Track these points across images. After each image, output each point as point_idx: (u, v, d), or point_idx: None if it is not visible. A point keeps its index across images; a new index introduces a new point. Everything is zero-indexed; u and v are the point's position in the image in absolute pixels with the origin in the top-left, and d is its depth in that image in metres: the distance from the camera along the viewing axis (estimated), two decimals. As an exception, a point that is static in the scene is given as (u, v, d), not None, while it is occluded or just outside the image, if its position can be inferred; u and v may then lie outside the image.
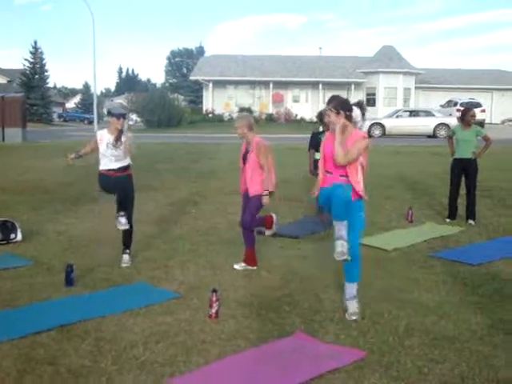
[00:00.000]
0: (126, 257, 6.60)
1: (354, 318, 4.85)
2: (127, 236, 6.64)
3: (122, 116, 6.49)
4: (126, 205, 6.48)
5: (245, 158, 6.38)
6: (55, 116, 61.18)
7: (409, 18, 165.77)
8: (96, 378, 3.76)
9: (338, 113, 4.93)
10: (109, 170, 6.44)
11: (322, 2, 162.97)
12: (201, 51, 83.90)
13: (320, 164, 5.11)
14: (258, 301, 5.30)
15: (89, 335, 4.44)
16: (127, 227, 6.45)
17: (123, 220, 6.38)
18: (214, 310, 4.80)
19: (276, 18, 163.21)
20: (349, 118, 4.97)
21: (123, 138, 6.38)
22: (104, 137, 6.47)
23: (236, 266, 6.39)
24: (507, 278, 6.07)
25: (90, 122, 58.54)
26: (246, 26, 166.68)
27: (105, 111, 77.82)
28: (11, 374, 3.78)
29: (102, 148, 6.42)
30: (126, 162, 6.54)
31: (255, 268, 6.36)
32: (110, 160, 6.43)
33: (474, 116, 9.05)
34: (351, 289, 5.00)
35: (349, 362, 3.97)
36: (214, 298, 4.80)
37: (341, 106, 4.97)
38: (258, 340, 4.42)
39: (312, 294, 5.49)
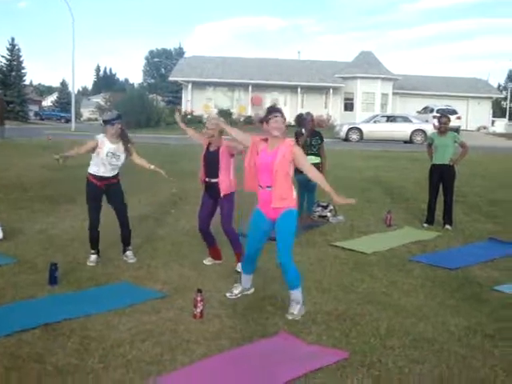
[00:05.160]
0: (129, 253, 6.80)
1: None
2: (127, 236, 6.85)
3: (114, 121, 6.41)
4: (122, 210, 6.71)
5: (207, 158, 6.33)
6: (31, 114, 60.59)
7: (387, 25, 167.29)
8: (83, 375, 3.79)
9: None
10: (100, 177, 6.45)
11: (302, 7, 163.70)
12: (180, 52, 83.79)
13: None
14: (241, 301, 5.38)
15: (75, 334, 4.47)
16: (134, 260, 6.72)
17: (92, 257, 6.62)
18: (198, 310, 4.86)
19: (255, 20, 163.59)
20: None
21: (130, 150, 6.54)
22: (105, 144, 6.41)
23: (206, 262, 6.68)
24: (483, 283, 6.21)
25: (67, 121, 58.13)
26: (225, 28, 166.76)
27: (82, 110, 77.37)
28: (-2, 371, 3.81)
29: (102, 156, 6.38)
30: (118, 169, 6.64)
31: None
32: (106, 168, 6.45)
33: (443, 124, 9.22)
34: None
35: (332, 362, 4.05)
36: (199, 298, 4.85)
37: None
38: (242, 340, 4.49)
39: (294, 296, 5.57)
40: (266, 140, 5.10)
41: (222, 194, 6.26)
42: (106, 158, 6.40)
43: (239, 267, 6.42)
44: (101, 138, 6.44)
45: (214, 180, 6.27)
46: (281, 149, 4.95)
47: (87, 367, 3.90)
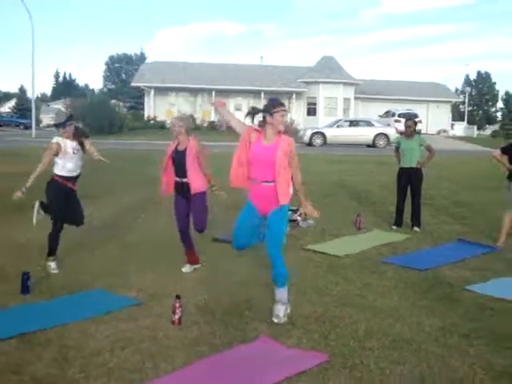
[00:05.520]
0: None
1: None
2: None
3: (62, 125, 6.38)
4: (80, 215, 6.66)
5: (175, 158, 6.32)
6: (-11, 121, 59.46)
7: (347, 30, 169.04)
8: (64, 385, 3.73)
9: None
10: (70, 177, 6.39)
11: (261, 12, 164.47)
12: (141, 57, 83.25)
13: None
14: (218, 306, 5.35)
15: (52, 343, 4.38)
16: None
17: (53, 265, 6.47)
18: (177, 317, 4.81)
19: (215, 26, 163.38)
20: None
21: (86, 143, 6.49)
22: (67, 143, 6.36)
23: (184, 270, 6.60)
24: (454, 283, 6.32)
25: (26, 127, 57.02)
26: (186, 34, 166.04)
27: (41, 117, 76.16)
28: (-25, 384, 3.71)
29: (69, 153, 6.33)
30: (81, 168, 6.58)
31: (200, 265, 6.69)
32: (76, 166, 6.42)
33: (408, 127, 9.39)
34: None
35: (313, 365, 4.06)
36: (177, 304, 4.81)
37: None
38: (223, 345, 4.46)
39: (271, 299, 5.52)
40: (259, 131, 4.96)
41: (192, 193, 6.27)
42: (73, 155, 6.38)
43: (186, 268, 6.65)
44: (59, 140, 6.38)
45: (184, 180, 6.27)
46: (281, 144, 4.80)
47: (67, 377, 3.83)
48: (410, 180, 9.33)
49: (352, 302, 5.60)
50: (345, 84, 43.09)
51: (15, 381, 3.77)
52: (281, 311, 5.00)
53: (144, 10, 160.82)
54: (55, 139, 6.39)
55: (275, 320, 4.93)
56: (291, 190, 4.92)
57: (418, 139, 9.40)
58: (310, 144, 30.39)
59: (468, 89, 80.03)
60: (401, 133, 9.53)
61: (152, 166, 17.48)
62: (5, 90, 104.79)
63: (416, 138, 9.40)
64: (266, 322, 4.97)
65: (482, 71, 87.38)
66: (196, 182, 6.25)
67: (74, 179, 6.47)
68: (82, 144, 6.49)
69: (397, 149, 9.63)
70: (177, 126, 6.26)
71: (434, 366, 4.14)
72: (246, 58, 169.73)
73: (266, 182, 4.84)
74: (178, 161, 6.28)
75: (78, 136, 6.50)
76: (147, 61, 64.05)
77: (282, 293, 5.06)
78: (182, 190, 6.33)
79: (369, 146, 30.67)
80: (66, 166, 6.36)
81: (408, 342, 4.61)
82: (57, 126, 6.47)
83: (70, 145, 6.37)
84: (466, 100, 68.17)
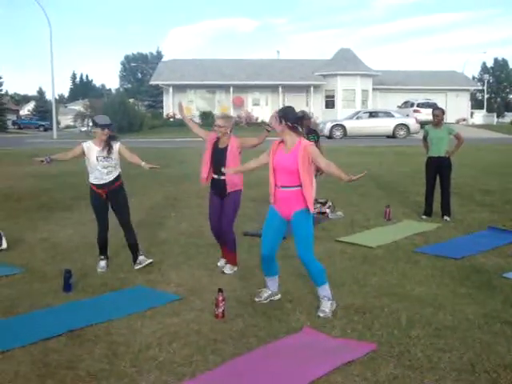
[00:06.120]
0: (142, 257, 6.65)
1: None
2: (133, 242, 6.69)
3: (107, 127, 6.37)
4: (123, 213, 6.61)
5: (215, 156, 6.30)
6: (9, 123, 60.15)
7: (359, 21, 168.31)
8: (118, 379, 3.79)
9: (280, 122, 5.04)
10: (101, 185, 6.40)
11: (272, 7, 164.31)
12: (158, 56, 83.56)
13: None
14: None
15: (100, 339, 4.45)
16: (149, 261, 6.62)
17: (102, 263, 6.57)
18: (220, 310, 4.86)
19: (228, 22, 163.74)
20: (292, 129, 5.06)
21: (114, 146, 6.42)
22: (92, 149, 6.37)
23: (226, 271, 6.46)
24: (491, 271, 6.30)
25: (46, 129, 57.68)
26: (198, 31, 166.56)
27: (59, 118, 76.79)
28: (32, 380, 3.78)
29: (92, 161, 6.34)
30: (117, 171, 6.53)
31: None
32: (101, 173, 6.38)
33: (436, 116, 9.35)
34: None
35: (362, 354, 4.09)
36: (221, 298, 4.86)
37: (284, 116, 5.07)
38: (269, 337, 4.50)
39: (309, 291, 5.58)
40: (282, 142, 5.14)
41: (228, 191, 6.26)
42: (97, 162, 6.35)
43: (221, 262, 6.58)
44: (87, 144, 6.41)
45: (222, 177, 6.24)
46: (299, 151, 4.92)
47: (120, 372, 3.89)
48: (438, 169, 9.30)
49: (391, 291, 5.61)
50: (362, 76, 42.85)
51: (71, 376, 3.85)
52: (327, 306, 5.02)
53: (156, 9, 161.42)
54: (85, 143, 6.43)
55: (321, 315, 4.94)
56: (314, 194, 5.00)
57: (447, 128, 9.36)
58: (330, 137, 30.31)
59: (486, 76, 79.23)
60: (421, 123, 9.49)
61: (178, 163, 17.65)
62: (23, 92, 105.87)
63: (444, 126, 9.36)
64: (307, 313, 5.01)
65: (499, 58, 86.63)
66: (233, 179, 6.23)
67: (105, 186, 6.43)
68: (109, 150, 6.41)
69: (425, 138, 9.59)
70: (222, 127, 6.20)
71: (481, 353, 4.14)
72: (259, 53, 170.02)
73: (283, 186, 5.02)
74: (217, 158, 6.24)
75: (109, 144, 6.42)
76: (164, 59, 64.26)
77: (323, 290, 5.10)
78: (219, 187, 6.31)
79: (389, 136, 30.53)
80: (93, 174, 6.41)
81: (452, 329, 4.62)
82: (103, 126, 6.33)
83: (95, 152, 6.36)
84: (485, 88, 67.45)
